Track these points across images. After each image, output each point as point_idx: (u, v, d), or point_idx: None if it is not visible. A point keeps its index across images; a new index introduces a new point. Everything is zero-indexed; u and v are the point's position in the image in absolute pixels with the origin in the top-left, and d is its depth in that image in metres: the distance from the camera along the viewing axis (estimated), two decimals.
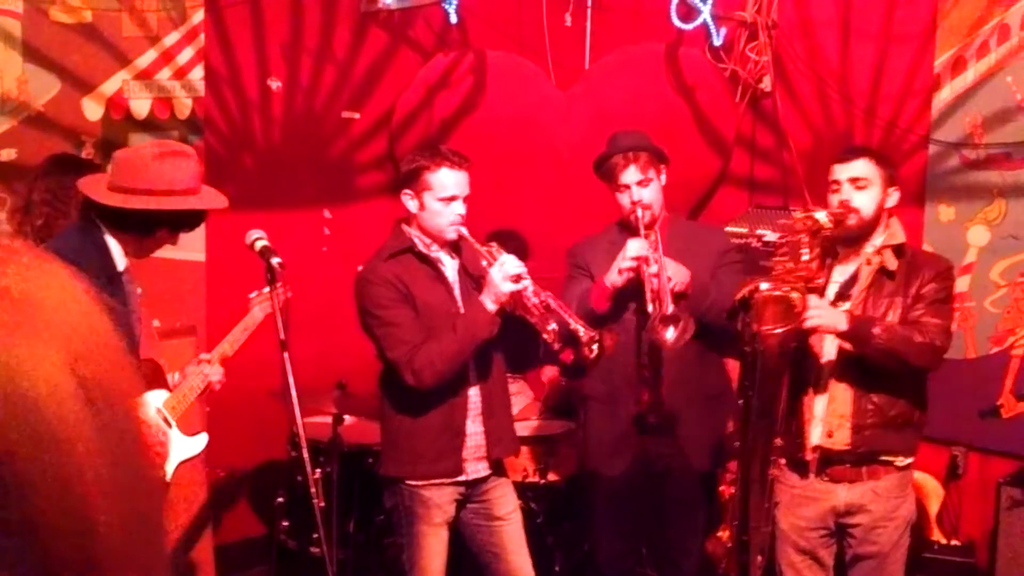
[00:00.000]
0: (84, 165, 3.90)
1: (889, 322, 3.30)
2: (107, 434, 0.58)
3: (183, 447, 3.37)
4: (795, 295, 3.12)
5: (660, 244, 3.59)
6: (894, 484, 3.41)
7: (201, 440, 3.45)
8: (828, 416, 3.37)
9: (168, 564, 0.64)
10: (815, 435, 3.39)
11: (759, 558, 3.32)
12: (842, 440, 3.35)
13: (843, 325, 3.25)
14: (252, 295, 3.53)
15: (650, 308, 3.47)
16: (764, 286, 3.12)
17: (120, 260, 3.14)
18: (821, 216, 3.19)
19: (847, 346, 3.31)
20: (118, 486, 0.59)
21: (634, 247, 3.56)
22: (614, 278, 3.58)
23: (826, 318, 3.25)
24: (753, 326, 3.08)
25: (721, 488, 3.50)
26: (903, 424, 3.37)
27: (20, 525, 0.54)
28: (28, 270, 0.59)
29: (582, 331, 3.28)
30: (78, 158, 4.27)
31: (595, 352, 3.29)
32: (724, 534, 3.45)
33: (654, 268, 3.48)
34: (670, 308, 3.41)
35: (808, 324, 3.19)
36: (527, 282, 3.31)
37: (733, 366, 3.88)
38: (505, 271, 3.30)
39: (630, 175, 3.67)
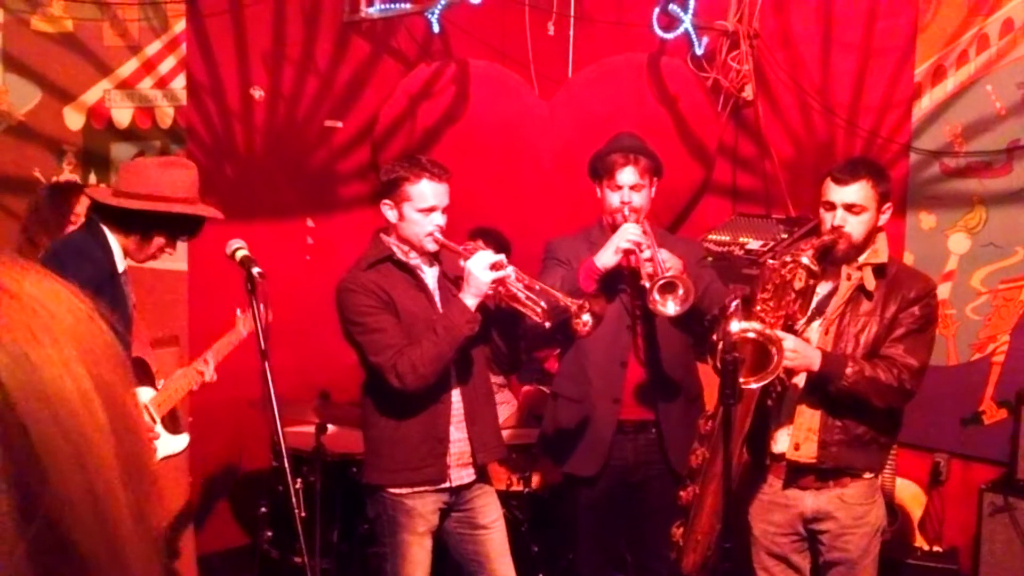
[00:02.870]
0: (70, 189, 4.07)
1: (862, 362, 3.26)
2: (120, 433, 0.61)
3: (166, 444, 3.53)
4: (772, 338, 3.13)
5: (651, 232, 3.60)
6: (861, 491, 3.41)
7: (183, 439, 3.60)
8: (795, 429, 3.37)
9: (163, 562, 0.67)
10: (780, 445, 3.40)
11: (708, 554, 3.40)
12: (808, 453, 3.35)
13: (816, 365, 3.24)
14: (239, 313, 3.72)
15: (646, 284, 3.43)
16: (744, 325, 3.13)
17: (120, 262, 3.30)
18: (806, 260, 3.18)
19: None
20: (132, 485, 0.62)
21: (630, 229, 3.55)
22: (607, 258, 3.54)
23: (800, 359, 3.24)
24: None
25: (681, 493, 3.50)
26: (870, 441, 3.36)
27: (55, 522, 0.56)
28: (39, 282, 0.62)
29: (571, 303, 3.27)
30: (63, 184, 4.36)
31: (588, 324, 3.28)
32: (677, 531, 3.47)
33: (647, 253, 3.48)
34: (668, 274, 3.38)
35: (783, 364, 3.19)
36: (509, 269, 3.32)
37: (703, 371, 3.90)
38: (483, 262, 3.30)
39: (627, 176, 3.67)
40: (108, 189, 3.42)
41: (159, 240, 3.33)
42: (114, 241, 3.27)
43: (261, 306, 3.28)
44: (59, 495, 0.56)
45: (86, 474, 0.58)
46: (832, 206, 3.33)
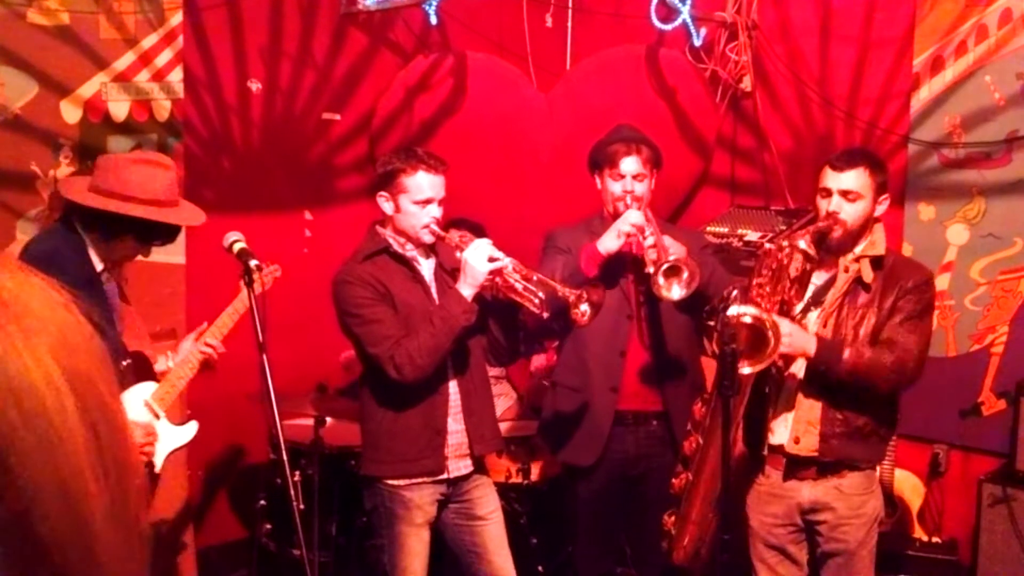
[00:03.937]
0: None
1: (859, 346, 3.25)
2: (96, 426, 0.60)
3: (173, 437, 3.45)
4: (768, 322, 3.11)
5: (654, 220, 3.60)
6: (858, 482, 3.40)
7: (191, 428, 3.52)
8: (795, 422, 3.36)
9: (146, 560, 0.66)
10: (779, 437, 3.39)
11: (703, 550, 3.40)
12: (809, 446, 3.34)
13: (812, 350, 3.23)
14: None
15: (650, 270, 3.42)
16: (741, 308, 3.12)
17: (98, 261, 3.21)
18: (803, 244, 3.17)
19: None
20: (107, 480, 0.61)
21: (633, 215, 3.56)
22: (609, 243, 3.54)
23: (796, 344, 3.23)
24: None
25: (673, 480, 3.49)
26: (870, 433, 3.36)
27: (22, 515, 0.56)
28: (13, 274, 0.62)
29: (569, 293, 3.27)
30: None
31: (587, 314, 3.28)
32: (669, 520, 3.47)
33: (651, 240, 3.48)
34: (670, 258, 3.37)
35: (778, 350, 3.18)
36: (506, 260, 3.31)
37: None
38: (480, 253, 3.30)
39: (630, 164, 3.69)
40: (85, 181, 3.25)
41: (126, 243, 3.23)
42: (89, 241, 3.18)
43: (268, 271, 3.22)
44: (24, 485, 0.56)
45: (54, 464, 0.57)
46: (828, 192, 3.34)
